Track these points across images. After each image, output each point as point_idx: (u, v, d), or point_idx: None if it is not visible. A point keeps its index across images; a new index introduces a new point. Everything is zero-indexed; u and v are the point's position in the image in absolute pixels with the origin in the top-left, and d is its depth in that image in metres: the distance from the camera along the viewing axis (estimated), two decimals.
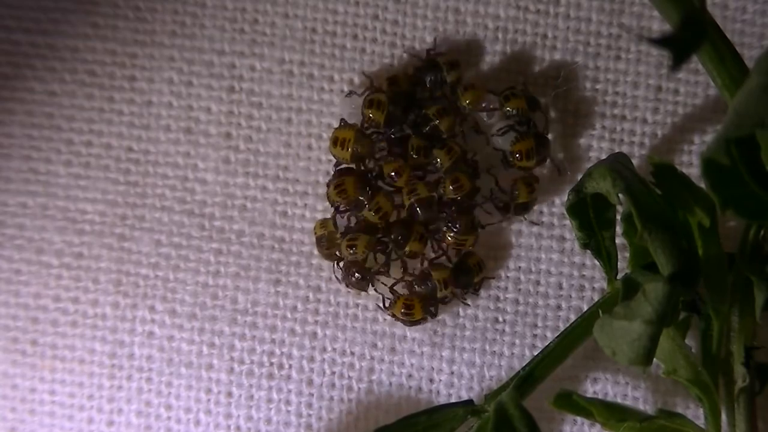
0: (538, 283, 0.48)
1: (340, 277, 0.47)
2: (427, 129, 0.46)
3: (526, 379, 0.42)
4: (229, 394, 0.48)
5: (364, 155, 0.46)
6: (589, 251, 0.42)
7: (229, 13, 0.49)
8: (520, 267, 0.48)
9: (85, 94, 0.48)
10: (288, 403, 0.48)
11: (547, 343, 0.44)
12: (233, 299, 0.48)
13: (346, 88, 0.48)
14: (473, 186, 0.46)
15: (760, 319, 0.39)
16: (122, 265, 0.48)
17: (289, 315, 0.48)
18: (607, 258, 0.42)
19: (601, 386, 0.48)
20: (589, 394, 0.48)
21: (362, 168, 0.47)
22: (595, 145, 0.48)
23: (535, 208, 0.48)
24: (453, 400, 0.48)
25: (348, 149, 0.46)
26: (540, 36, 0.49)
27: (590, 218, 0.41)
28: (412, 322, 0.46)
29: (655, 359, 0.35)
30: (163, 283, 0.48)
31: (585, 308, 0.48)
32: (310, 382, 0.48)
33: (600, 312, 0.40)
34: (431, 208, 0.46)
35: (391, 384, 0.48)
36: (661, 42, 0.30)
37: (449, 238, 0.46)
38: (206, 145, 0.48)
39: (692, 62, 0.47)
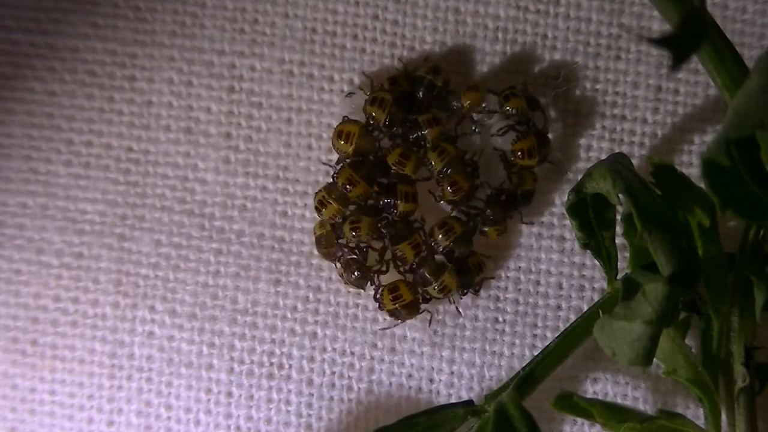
0: (538, 283, 0.48)
1: (341, 275, 0.47)
2: (413, 137, 0.46)
3: (526, 380, 0.42)
4: (229, 394, 0.48)
5: (366, 151, 0.46)
6: (589, 251, 0.42)
7: (229, 13, 0.49)
8: (520, 267, 0.48)
9: (85, 94, 0.48)
10: (288, 403, 0.48)
11: (547, 343, 0.44)
12: (233, 299, 0.48)
13: (346, 88, 0.48)
14: (472, 185, 0.46)
15: (760, 319, 0.39)
16: (122, 265, 0.48)
17: (289, 315, 0.48)
18: (607, 258, 0.42)
19: (601, 386, 0.48)
20: (589, 394, 0.48)
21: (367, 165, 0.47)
22: (595, 145, 0.48)
23: (536, 208, 0.48)
24: (453, 400, 0.48)
25: (352, 143, 0.46)
26: (540, 36, 0.49)
27: (590, 218, 0.41)
28: (407, 308, 0.46)
29: (655, 359, 0.35)
30: (163, 283, 0.48)
31: (585, 308, 0.48)
32: (310, 382, 0.48)
33: (600, 312, 0.40)
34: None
35: (391, 384, 0.48)
36: (661, 42, 0.30)
37: (488, 231, 0.47)
38: (206, 145, 0.49)
39: (692, 62, 0.47)
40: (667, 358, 0.40)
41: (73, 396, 0.48)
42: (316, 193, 0.46)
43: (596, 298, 0.48)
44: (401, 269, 0.46)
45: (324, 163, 0.48)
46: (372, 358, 0.48)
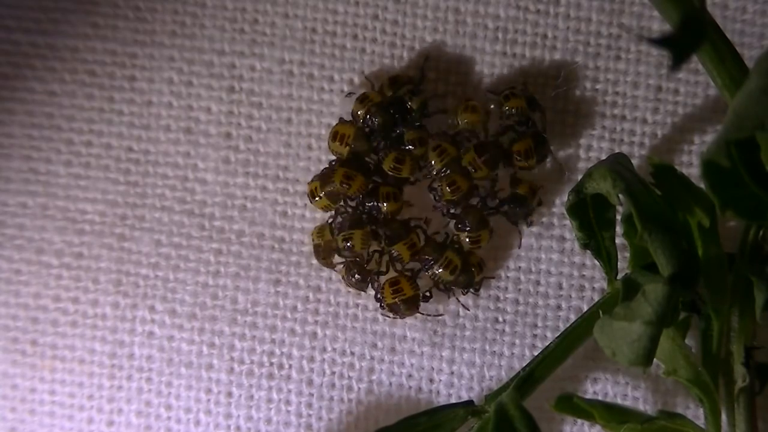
0: (538, 283, 0.48)
1: (342, 277, 0.47)
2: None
3: (527, 380, 0.42)
4: (229, 394, 0.48)
5: (361, 153, 0.46)
6: (589, 251, 0.42)
7: (229, 13, 0.49)
8: (520, 267, 0.48)
9: (85, 94, 0.48)
10: (288, 403, 0.48)
11: (547, 343, 0.44)
12: (233, 299, 0.48)
13: (346, 88, 0.48)
14: (471, 185, 0.46)
15: (760, 319, 0.39)
16: (122, 265, 0.48)
17: (289, 315, 0.48)
18: (607, 258, 0.42)
19: (601, 386, 0.48)
20: (589, 394, 0.48)
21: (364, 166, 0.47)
22: (595, 145, 0.48)
23: (535, 208, 0.48)
24: (453, 400, 0.48)
25: (347, 144, 0.46)
26: (540, 36, 0.49)
27: (590, 219, 0.41)
28: (406, 304, 0.46)
29: (655, 359, 0.35)
30: (163, 283, 0.48)
31: (585, 308, 0.48)
32: (310, 382, 0.48)
33: (600, 312, 0.40)
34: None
35: (391, 384, 0.48)
36: (661, 42, 0.30)
37: (464, 239, 0.46)
38: (206, 145, 0.48)
39: (692, 62, 0.47)
40: (667, 358, 0.40)
41: (73, 396, 0.48)
42: (309, 182, 0.47)
43: (596, 298, 0.48)
44: (398, 269, 0.46)
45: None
46: (372, 358, 0.48)
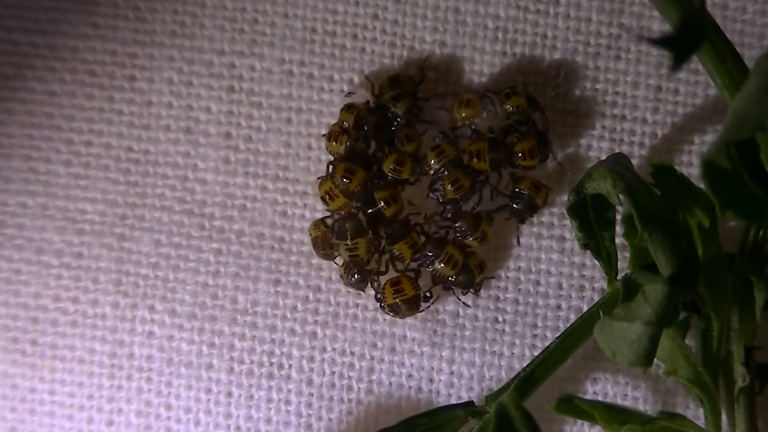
0: (538, 283, 0.48)
1: (341, 276, 0.47)
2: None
3: (527, 380, 0.42)
4: (229, 394, 0.48)
5: (359, 149, 0.46)
6: (589, 251, 0.42)
7: (229, 13, 0.49)
8: (520, 267, 0.48)
9: (85, 94, 0.48)
10: (288, 403, 0.48)
11: (547, 343, 0.44)
12: (233, 299, 0.48)
13: (346, 88, 0.48)
14: (473, 182, 0.46)
15: (760, 319, 0.39)
16: (122, 265, 0.48)
17: (289, 315, 0.48)
18: (607, 258, 0.42)
19: (601, 386, 0.48)
20: (589, 394, 0.48)
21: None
22: (595, 145, 0.48)
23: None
24: (453, 400, 0.48)
25: (342, 143, 0.46)
26: (540, 36, 0.49)
27: (590, 219, 0.41)
28: (407, 303, 0.46)
29: (655, 359, 0.35)
30: (163, 283, 0.48)
31: (585, 308, 0.48)
32: (310, 382, 0.48)
33: (600, 313, 0.40)
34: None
35: (391, 384, 0.48)
36: (661, 42, 0.30)
37: (471, 242, 0.46)
38: (206, 145, 0.48)
39: (692, 62, 0.47)
40: (668, 358, 0.40)
41: (73, 396, 0.48)
42: (320, 185, 0.47)
43: (596, 298, 0.48)
44: (399, 268, 0.46)
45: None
46: (372, 358, 0.48)
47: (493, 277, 0.48)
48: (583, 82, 0.48)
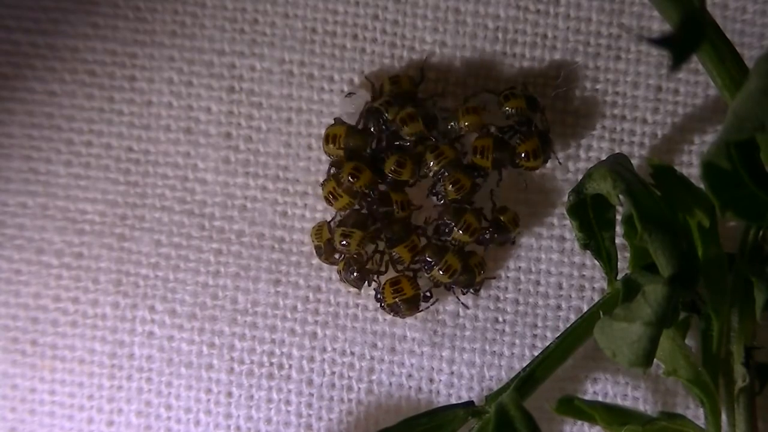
0: (538, 283, 0.48)
1: (339, 272, 0.47)
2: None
3: (527, 380, 0.42)
4: (229, 394, 0.48)
5: (357, 149, 0.46)
6: (589, 251, 0.42)
7: (229, 13, 0.49)
8: (520, 267, 0.48)
9: (85, 94, 0.48)
10: (288, 403, 0.48)
11: (547, 343, 0.44)
12: (233, 299, 0.48)
13: (346, 88, 0.48)
14: (474, 182, 0.46)
15: (760, 319, 0.39)
16: (122, 265, 0.48)
17: (289, 315, 0.48)
18: (607, 258, 0.42)
19: (601, 386, 0.48)
20: (589, 394, 0.48)
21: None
22: (595, 145, 0.48)
23: (535, 209, 0.48)
24: (453, 400, 0.48)
25: (339, 145, 0.46)
26: (540, 36, 0.48)
27: (590, 219, 0.41)
28: (407, 303, 0.46)
29: (655, 359, 0.35)
30: (163, 283, 0.48)
31: (585, 308, 0.48)
32: (310, 382, 0.48)
33: (600, 313, 0.40)
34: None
35: (391, 384, 0.48)
36: (661, 42, 0.30)
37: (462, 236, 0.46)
38: (206, 145, 0.48)
39: (692, 62, 0.47)
40: (668, 358, 0.40)
41: (73, 396, 0.48)
42: (324, 184, 0.47)
43: (596, 298, 0.48)
44: (399, 269, 0.46)
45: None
46: (372, 358, 0.48)
47: (494, 277, 0.48)
48: (583, 82, 0.48)
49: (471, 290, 0.47)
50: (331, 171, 0.47)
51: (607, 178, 0.37)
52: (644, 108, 0.48)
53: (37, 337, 0.48)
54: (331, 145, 0.46)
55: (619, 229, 0.40)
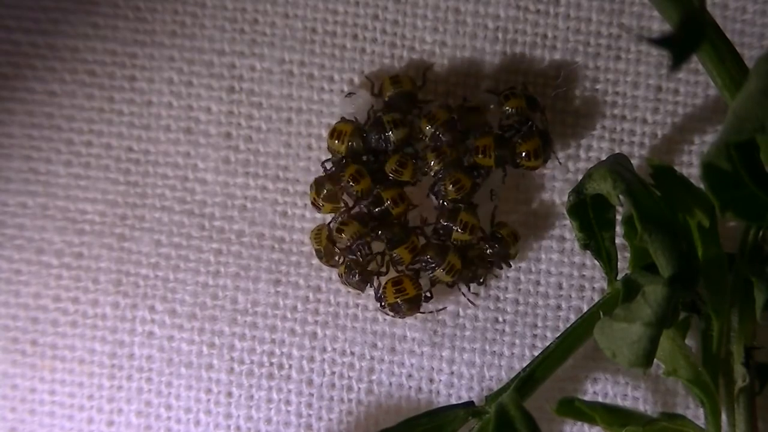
0: (538, 283, 0.48)
1: (340, 275, 0.47)
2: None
3: (527, 381, 0.42)
4: (229, 394, 0.48)
5: (359, 151, 0.46)
6: (589, 251, 0.42)
7: (229, 13, 0.49)
8: (520, 267, 0.48)
9: (85, 94, 0.48)
10: (288, 403, 0.48)
11: (547, 343, 0.44)
12: (233, 299, 0.48)
13: (346, 88, 0.48)
14: (474, 184, 0.46)
15: (760, 319, 0.39)
16: (122, 265, 0.48)
17: (289, 315, 0.48)
18: (607, 258, 0.42)
19: (601, 386, 0.48)
20: (589, 394, 0.48)
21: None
22: (595, 145, 0.48)
23: (535, 209, 0.48)
24: (453, 400, 0.48)
25: (344, 142, 0.46)
26: (540, 36, 0.48)
27: (590, 219, 0.41)
28: (408, 303, 0.46)
29: (655, 359, 0.35)
30: (163, 283, 0.48)
31: (585, 308, 0.48)
32: (310, 382, 0.48)
33: (600, 313, 0.40)
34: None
35: (391, 384, 0.48)
36: (661, 42, 0.30)
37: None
38: (206, 145, 0.48)
39: (692, 62, 0.47)
40: (668, 359, 0.40)
41: (73, 396, 0.48)
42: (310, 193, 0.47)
43: (596, 298, 0.48)
44: (399, 269, 0.46)
45: (323, 165, 0.48)
46: (372, 358, 0.48)
47: (495, 277, 0.48)
48: (583, 82, 0.48)
49: (476, 283, 0.47)
50: (326, 171, 0.47)
51: (607, 178, 0.37)
52: (644, 108, 0.48)
53: (37, 337, 0.48)
54: (336, 141, 0.46)
55: (619, 230, 0.40)
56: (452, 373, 0.48)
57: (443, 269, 0.45)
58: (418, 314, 0.47)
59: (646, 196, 0.37)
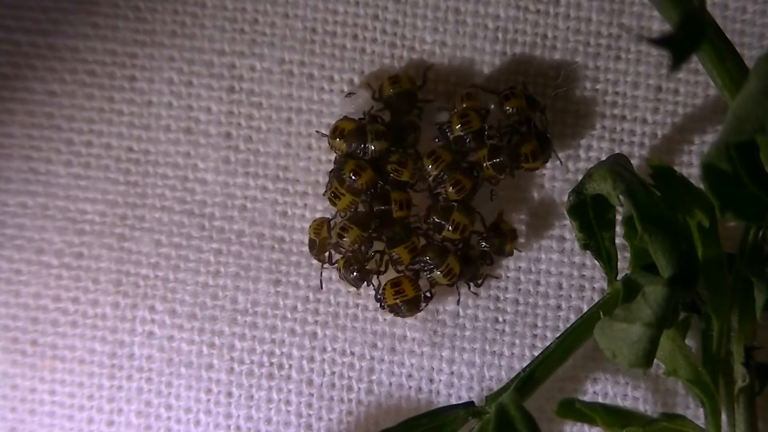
0: (538, 283, 0.48)
1: (339, 270, 0.47)
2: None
3: (527, 381, 0.42)
4: (229, 394, 0.48)
5: (359, 148, 0.46)
6: (589, 251, 0.42)
7: (229, 13, 0.49)
8: (520, 267, 0.48)
9: (85, 94, 0.48)
10: (288, 403, 0.48)
11: (547, 344, 0.44)
12: (233, 299, 0.48)
13: (346, 88, 0.48)
14: (475, 183, 0.46)
15: (760, 319, 0.39)
16: (122, 265, 0.48)
17: (289, 315, 0.48)
18: (607, 259, 0.42)
19: (601, 386, 0.48)
20: (589, 394, 0.48)
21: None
22: (595, 145, 0.48)
23: (535, 209, 0.48)
24: (453, 400, 0.48)
25: (343, 140, 0.46)
26: (540, 36, 0.48)
27: (590, 219, 0.41)
28: (407, 305, 0.46)
29: (655, 359, 0.35)
30: (163, 283, 0.48)
31: (585, 308, 0.48)
32: (310, 382, 0.48)
33: (600, 313, 0.40)
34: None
35: (391, 384, 0.48)
36: (661, 42, 0.30)
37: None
38: (206, 145, 0.48)
39: (692, 62, 0.47)
40: (668, 359, 0.40)
41: (73, 396, 0.48)
42: (328, 186, 0.47)
43: (596, 298, 0.48)
44: (399, 269, 0.46)
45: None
46: (372, 358, 0.48)
47: (496, 277, 0.48)
48: (583, 82, 0.48)
49: (474, 283, 0.47)
50: (334, 170, 0.47)
51: (607, 178, 0.37)
52: (644, 108, 0.48)
53: (37, 337, 0.48)
54: (338, 139, 0.46)
55: (619, 230, 0.40)
56: (452, 373, 0.48)
57: (441, 271, 0.45)
58: (418, 314, 0.47)
59: (646, 196, 0.37)
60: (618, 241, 0.42)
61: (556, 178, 0.48)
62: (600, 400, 0.48)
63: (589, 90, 0.48)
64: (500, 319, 0.48)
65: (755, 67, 0.32)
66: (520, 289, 0.48)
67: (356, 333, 0.48)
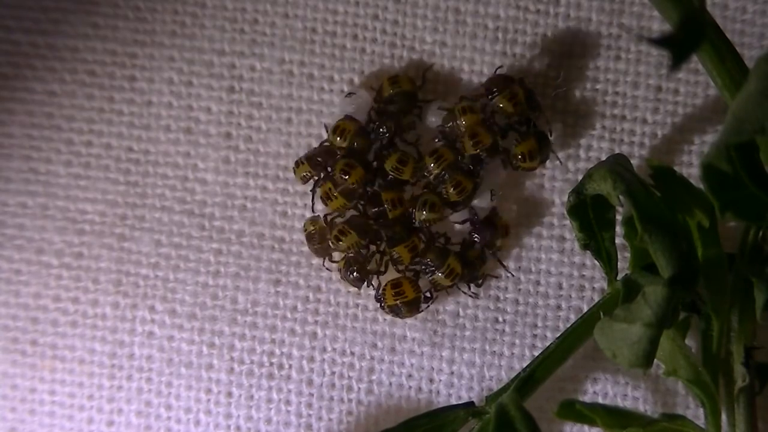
0: (538, 283, 0.48)
1: (339, 270, 0.47)
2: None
3: (527, 381, 0.42)
4: (229, 394, 0.48)
5: (360, 150, 0.46)
6: (589, 251, 0.42)
7: (229, 13, 0.49)
8: (520, 267, 0.48)
9: (85, 94, 0.48)
10: (288, 403, 0.48)
11: (547, 344, 0.44)
12: (233, 299, 0.48)
13: (346, 88, 0.48)
14: (475, 184, 0.46)
15: (760, 319, 0.39)
16: (122, 265, 0.48)
17: (289, 315, 0.48)
18: (607, 259, 0.42)
19: (601, 386, 0.48)
20: (589, 394, 0.48)
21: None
22: (595, 145, 0.48)
23: (535, 209, 0.48)
24: (453, 400, 0.48)
25: (346, 139, 0.46)
26: (540, 36, 0.48)
27: (590, 219, 0.41)
28: (407, 306, 0.46)
29: (655, 359, 0.35)
30: (163, 283, 0.48)
31: (585, 308, 0.48)
32: (310, 382, 0.48)
33: (600, 313, 0.40)
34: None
35: (391, 384, 0.48)
36: (661, 42, 0.30)
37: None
38: (206, 145, 0.48)
39: (692, 62, 0.47)
40: (668, 359, 0.40)
41: (73, 396, 0.48)
42: (320, 186, 0.47)
43: (596, 298, 0.48)
44: (399, 269, 0.46)
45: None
46: (372, 358, 0.48)
47: (496, 277, 0.48)
48: (583, 82, 0.48)
49: (474, 284, 0.47)
50: (327, 170, 0.47)
51: (607, 178, 0.37)
52: (644, 108, 0.48)
53: (37, 337, 0.48)
54: (338, 138, 0.46)
55: (619, 230, 0.40)
56: (452, 373, 0.48)
57: (442, 273, 0.45)
58: (418, 314, 0.47)
59: (646, 196, 0.37)
60: (618, 241, 0.42)
61: (556, 178, 0.48)
62: (600, 400, 0.48)
63: (589, 90, 0.48)
64: (500, 319, 0.48)
65: (755, 67, 0.32)
66: (520, 289, 0.48)
67: (356, 333, 0.48)
